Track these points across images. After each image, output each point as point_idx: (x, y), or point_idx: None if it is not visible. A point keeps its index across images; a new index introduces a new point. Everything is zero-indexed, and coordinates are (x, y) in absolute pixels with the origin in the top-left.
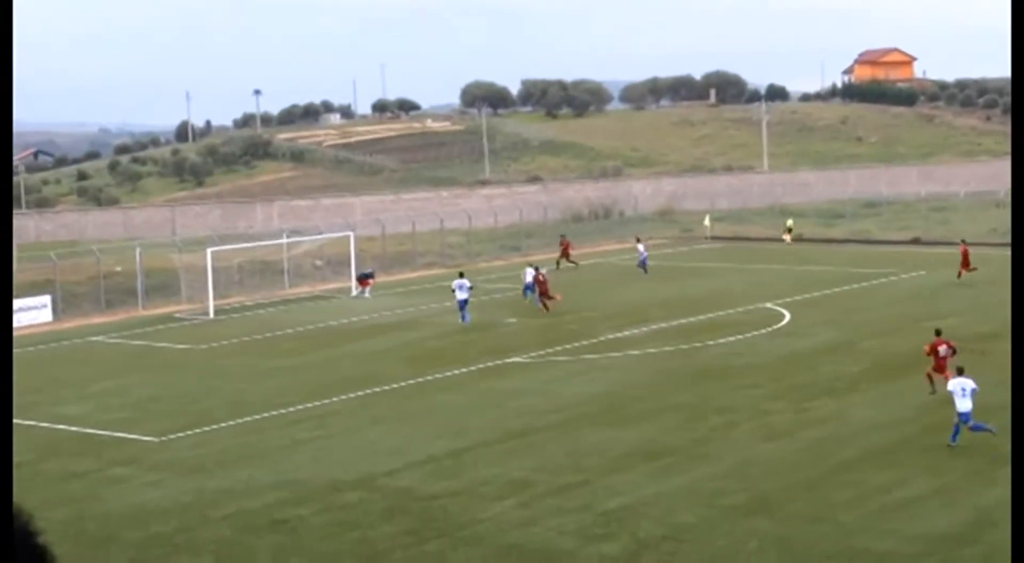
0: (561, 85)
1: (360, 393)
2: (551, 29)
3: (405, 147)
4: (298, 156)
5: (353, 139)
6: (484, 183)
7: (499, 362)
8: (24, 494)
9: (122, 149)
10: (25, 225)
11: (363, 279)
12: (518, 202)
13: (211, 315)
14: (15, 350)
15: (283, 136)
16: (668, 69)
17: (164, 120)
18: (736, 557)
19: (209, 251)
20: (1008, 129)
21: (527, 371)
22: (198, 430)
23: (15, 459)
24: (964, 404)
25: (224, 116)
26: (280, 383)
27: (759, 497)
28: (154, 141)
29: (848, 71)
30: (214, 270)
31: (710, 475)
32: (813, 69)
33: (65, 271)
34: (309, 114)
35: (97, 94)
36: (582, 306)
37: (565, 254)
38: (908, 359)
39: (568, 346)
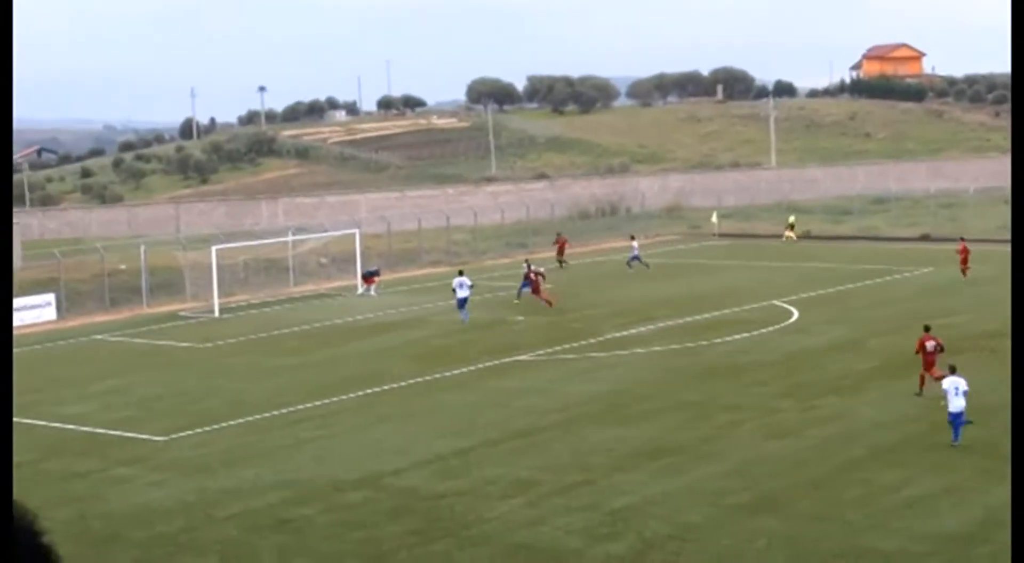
0: (568, 81)
1: (365, 392)
2: (557, 25)
3: (411, 144)
4: (303, 153)
5: (358, 136)
6: (490, 180)
7: (505, 361)
8: (27, 494)
9: (126, 146)
10: (29, 223)
11: (368, 277)
12: (524, 199)
13: (216, 313)
14: (18, 349)
15: (288, 133)
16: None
17: (168, 117)
18: (742, 556)
19: (214, 249)
20: None
21: (533, 370)
22: (202, 429)
23: (18, 458)
24: (957, 403)
25: (229, 113)
26: (285, 382)
27: (765, 496)
28: (158, 138)
29: (856, 67)
30: (219, 268)
31: (716, 474)
32: (821, 65)
33: (69, 269)
34: (314, 111)
35: (101, 91)
36: (588, 304)
37: (560, 252)
38: (916, 357)
39: (574, 344)
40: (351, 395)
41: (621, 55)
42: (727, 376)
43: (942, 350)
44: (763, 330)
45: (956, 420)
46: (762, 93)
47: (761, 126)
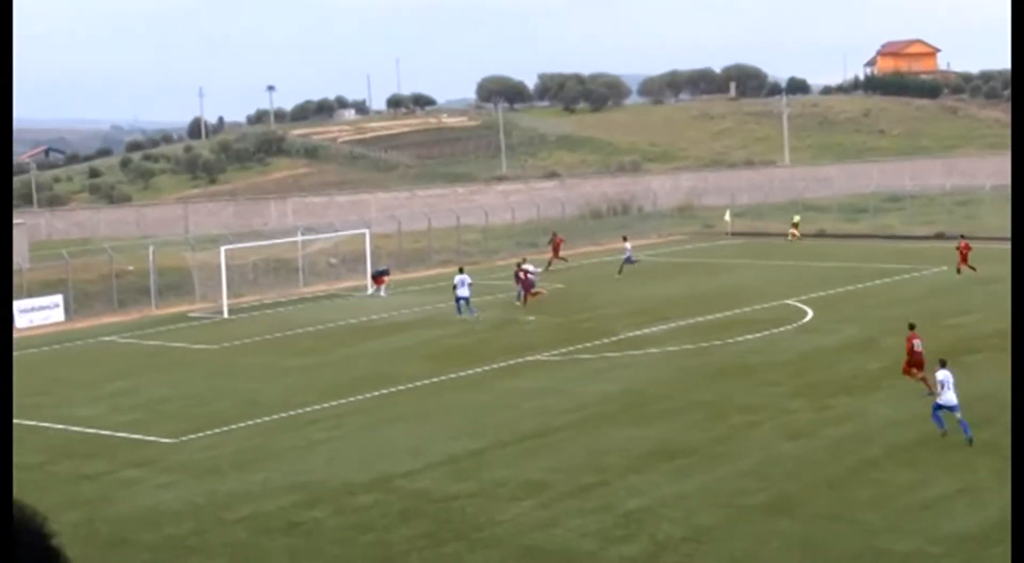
0: (578, 79)
1: (376, 393)
2: (568, 22)
3: (420, 143)
4: (312, 152)
5: (368, 135)
6: (501, 179)
7: (517, 361)
8: (36, 496)
9: (134, 146)
10: (37, 223)
11: (378, 277)
12: (535, 198)
13: (225, 314)
14: (26, 351)
15: (297, 132)
16: (687, 62)
17: (177, 116)
18: (757, 558)
19: (223, 249)
20: None
21: (545, 370)
22: (212, 431)
23: (26, 461)
24: (949, 397)
25: (237, 112)
26: (295, 383)
27: (780, 497)
28: (166, 138)
29: (870, 63)
30: (228, 268)
31: (731, 474)
32: (834, 61)
33: (77, 270)
34: (323, 110)
35: (108, 91)
36: (600, 304)
37: (555, 252)
38: (931, 356)
39: (587, 344)
40: (362, 396)
41: (632, 52)
42: (741, 376)
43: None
44: (777, 329)
45: (937, 412)
46: (775, 90)
47: (774, 123)
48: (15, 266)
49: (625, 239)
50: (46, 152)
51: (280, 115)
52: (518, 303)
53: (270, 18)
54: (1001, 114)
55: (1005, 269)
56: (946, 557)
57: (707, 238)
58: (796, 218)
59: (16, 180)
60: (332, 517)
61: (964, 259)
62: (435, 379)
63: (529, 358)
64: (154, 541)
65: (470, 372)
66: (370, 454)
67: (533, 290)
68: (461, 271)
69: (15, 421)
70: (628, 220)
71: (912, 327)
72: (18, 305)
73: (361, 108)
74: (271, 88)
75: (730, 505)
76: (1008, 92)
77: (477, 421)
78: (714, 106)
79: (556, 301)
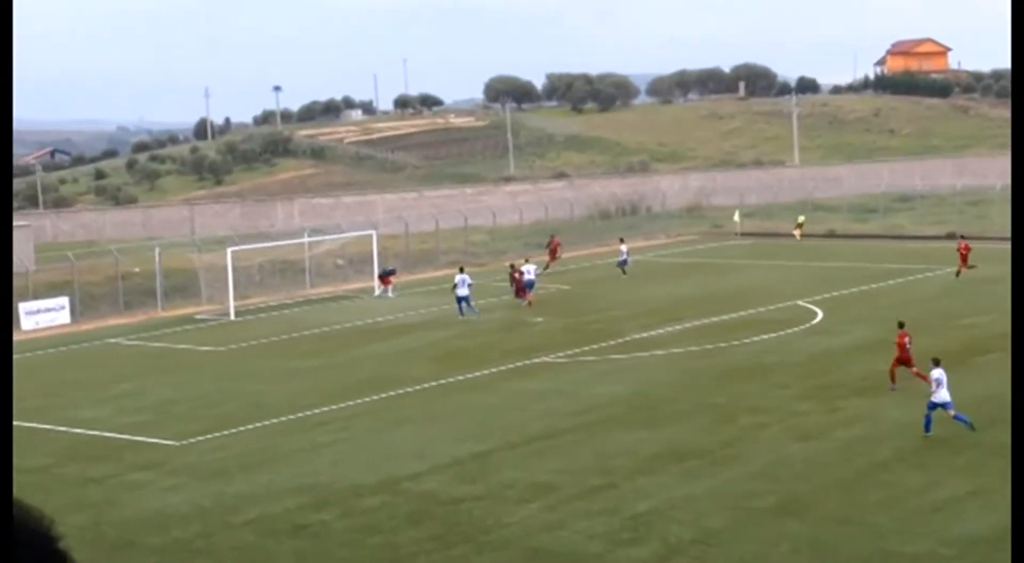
0: (587, 79)
1: (383, 395)
2: (576, 22)
3: (428, 143)
4: (319, 153)
5: (375, 135)
6: (509, 180)
7: (525, 363)
8: (42, 499)
9: (140, 147)
10: (42, 225)
11: (385, 276)
12: (543, 199)
13: (232, 316)
14: (32, 353)
15: (303, 133)
16: (696, 62)
17: (183, 117)
18: (767, 560)
19: (229, 251)
20: None
21: (553, 372)
22: (218, 433)
23: (32, 464)
24: (943, 394)
25: (244, 113)
26: (302, 385)
27: (790, 499)
28: (172, 139)
29: (880, 62)
30: (234, 270)
31: (740, 477)
32: (844, 60)
33: (83, 272)
34: (330, 110)
35: (114, 92)
36: (608, 305)
37: (553, 254)
38: (942, 357)
39: (595, 346)
40: (369, 398)
41: (641, 52)
42: (750, 378)
43: (909, 343)
44: (787, 331)
45: (934, 409)
46: (785, 89)
47: (784, 123)
48: (21, 268)
49: (622, 241)
50: (52, 153)
51: (287, 116)
52: (523, 303)
53: (276, 18)
54: None
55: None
56: (957, 559)
57: (716, 238)
58: (800, 218)
59: (22, 182)
60: (339, 519)
61: (964, 260)
62: (442, 381)
63: (536, 360)
64: (161, 544)
65: (477, 374)
66: (377, 456)
67: (529, 294)
68: (462, 271)
69: (20, 424)
70: (637, 221)
71: (901, 325)
72: (24, 307)
73: (368, 108)
74: (277, 88)
75: (739, 507)
76: None
77: (484, 423)
78: (723, 106)
79: (564, 302)
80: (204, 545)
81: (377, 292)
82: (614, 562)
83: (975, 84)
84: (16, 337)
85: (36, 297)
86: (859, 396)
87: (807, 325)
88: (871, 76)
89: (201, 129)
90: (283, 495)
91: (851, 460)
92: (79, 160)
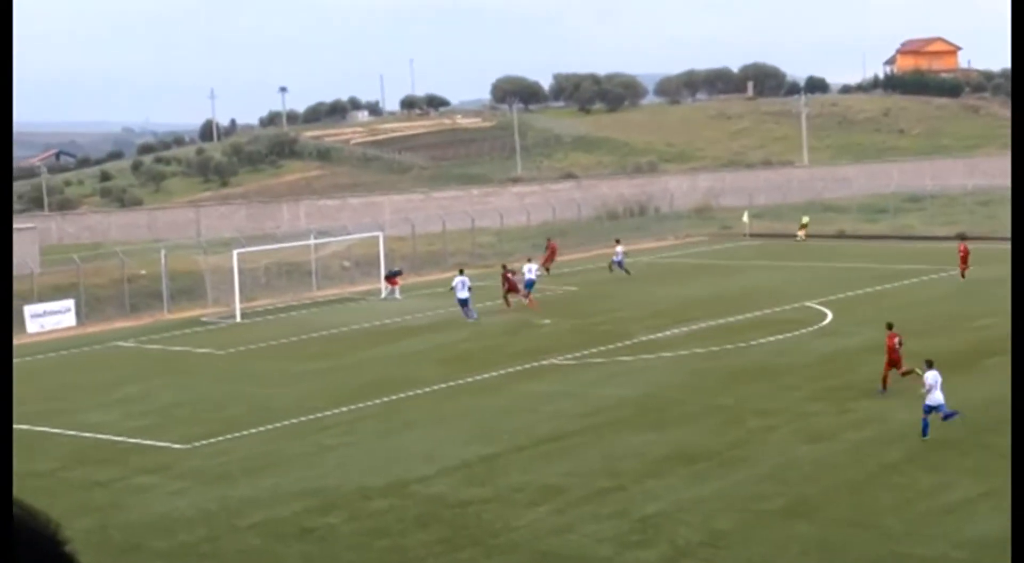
0: (594, 79)
1: (390, 397)
2: (583, 22)
3: (434, 144)
4: (325, 154)
5: (381, 136)
6: (516, 180)
7: (533, 365)
8: (47, 503)
9: (145, 149)
10: (48, 227)
11: (391, 277)
12: (551, 200)
13: (238, 318)
14: (37, 356)
15: (309, 134)
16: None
17: (188, 119)
18: None
19: (235, 253)
20: None
21: (561, 374)
22: (224, 437)
23: (38, 467)
24: (937, 396)
25: (249, 114)
26: (309, 387)
27: (800, 501)
28: (178, 140)
29: (890, 62)
30: (240, 272)
31: (749, 479)
32: (854, 60)
33: (88, 274)
34: (336, 111)
35: (120, 93)
36: (617, 306)
37: (550, 259)
38: (952, 358)
39: (603, 348)
40: (376, 401)
41: (649, 52)
42: (759, 379)
43: (900, 344)
44: (796, 332)
45: (930, 412)
46: (793, 89)
47: (793, 123)
48: (26, 271)
49: (618, 242)
50: (57, 155)
51: (292, 117)
52: (525, 301)
53: (283, 18)
54: None
55: None
56: (968, 562)
57: (725, 239)
58: (804, 219)
59: (27, 184)
60: (347, 523)
61: (964, 262)
62: (450, 383)
63: (544, 362)
64: (167, 548)
65: (485, 376)
66: (385, 459)
67: (519, 293)
68: (461, 273)
69: (26, 427)
70: (645, 222)
71: (890, 326)
72: (29, 310)
73: (374, 109)
74: (283, 89)
75: (748, 509)
76: None
77: (492, 425)
78: (731, 106)
79: (571, 304)
80: (210, 549)
81: (384, 294)
82: None
83: (985, 83)
84: (21, 340)
85: (41, 300)
86: (869, 398)
87: (816, 326)
88: (880, 76)
89: (207, 130)
90: (290, 498)
91: (861, 462)
92: (84, 162)
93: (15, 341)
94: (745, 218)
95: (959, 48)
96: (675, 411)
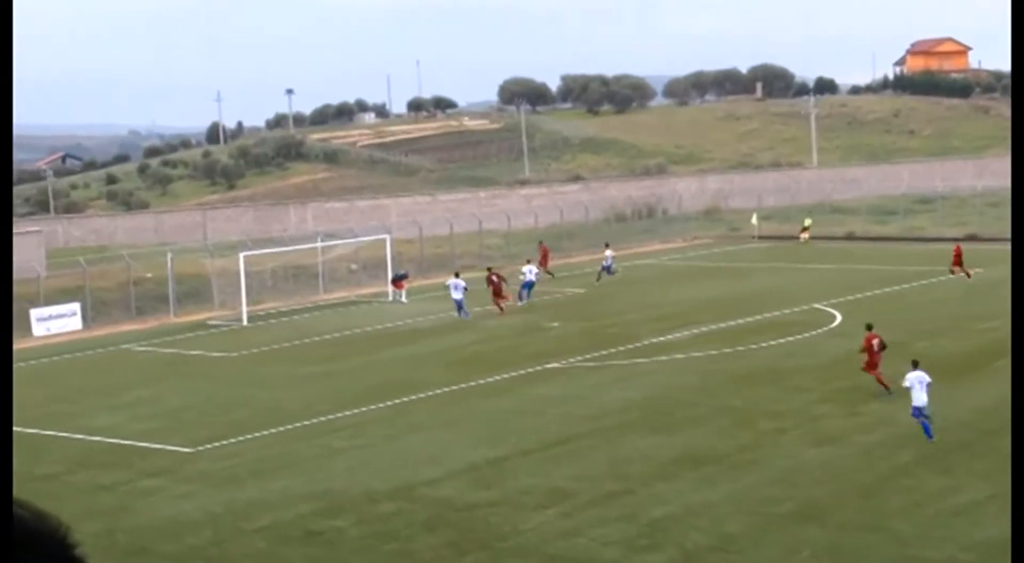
0: (602, 80)
1: (398, 400)
2: (591, 23)
3: (442, 146)
4: (332, 157)
5: (388, 139)
6: (523, 183)
7: (540, 367)
8: (54, 506)
9: (152, 152)
10: (54, 230)
11: (397, 281)
12: (559, 202)
13: (244, 321)
14: (43, 359)
15: (316, 136)
16: (712, 62)
17: (194, 121)
18: None
19: (242, 256)
20: None
21: (569, 376)
22: (231, 440)
23: (45, 471)
24: (921, 397)
25: (256, 117)
26: (316, 391)
27: (809, 505)
28: (184, 143)
29: (900, 62)
30: (247, 275)
31: (758, 482)
32: (863, 60)
33: (94, 277)
34: (343, 114)
35: (126, 96)
36: (625, 309)
37: (544, 261)
38: (962, 360)
39: (612, 350)
40: (383, 404)
41: (657, 53)
42: (769, 382)
43: (884, 347)
44: (805, 334)
45: (919, 414)
46: (802, 90)
47: (802, 124)
48: (32, 274)
49: (607, 246)
50: (63, 158)
51: (299, 119)
52: (520, 304)
53: (288, 21)
54: None
55: None
56: None
57: (733, 241)
58: (807, 221)
59: (33, 187)
60: (354, 526)
61: (958, 262)
62: (457, 386)
63: (552, 365)
64: (174, 551)
65: (492, 379)
66: (392, 462)
67: (503, 296)
68: (456, 275)
69: (33, 431)
70: (653, 224)
71: (870, 327)
72: (35, 313)
73: (381, 111)
74: (290, 92)
75: (757, 513)
76: None
77: (500, 429)
78: (740, 107)
79: (579, 307)
80: (217, 552)
81: (391, 297)
82: None
83: (996, 84)
84: (27, 343)
85: (48, 303)
86: (878, 400)
87: (826, 328)
88: (890, 76)
89: (213, 133)
90: (297, 501)
91: (871, 465)
92: (90, 165)
93: (21, 345)
94: (754, 220)
95: (969, 48)
96: (683, 414)
